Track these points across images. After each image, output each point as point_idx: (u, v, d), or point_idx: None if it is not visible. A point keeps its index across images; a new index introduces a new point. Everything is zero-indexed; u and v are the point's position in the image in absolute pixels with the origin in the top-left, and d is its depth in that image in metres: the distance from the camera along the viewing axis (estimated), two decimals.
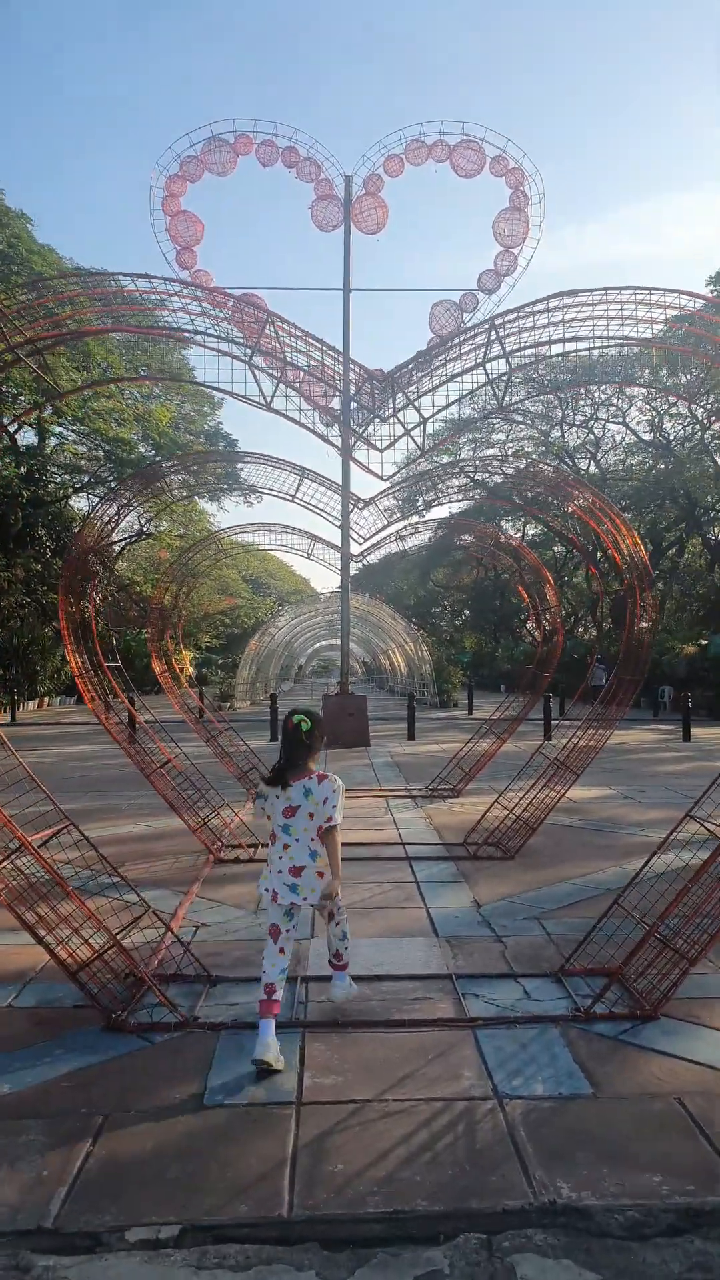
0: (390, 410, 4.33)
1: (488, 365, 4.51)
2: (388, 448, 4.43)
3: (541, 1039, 3.92)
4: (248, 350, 4.17)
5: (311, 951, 5.08)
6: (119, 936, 4.25)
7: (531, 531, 43.79)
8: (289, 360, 4.23)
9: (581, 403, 38.97)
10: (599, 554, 38.88)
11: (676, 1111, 3.29)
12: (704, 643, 29.89)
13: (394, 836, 8.31)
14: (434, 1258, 2.49)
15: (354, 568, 14.30)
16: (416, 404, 4.27)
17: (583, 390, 37.93)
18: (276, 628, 38.07)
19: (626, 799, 10.64)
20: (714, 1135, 3.10)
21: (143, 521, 41.24)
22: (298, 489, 8.08)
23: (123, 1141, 3.09)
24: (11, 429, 30.67)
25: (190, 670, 41.64)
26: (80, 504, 34.73)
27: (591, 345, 4.37)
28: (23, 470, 31.42)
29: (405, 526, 14.34)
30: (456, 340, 4.32)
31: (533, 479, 9.04)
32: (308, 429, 4.42)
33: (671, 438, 37.23)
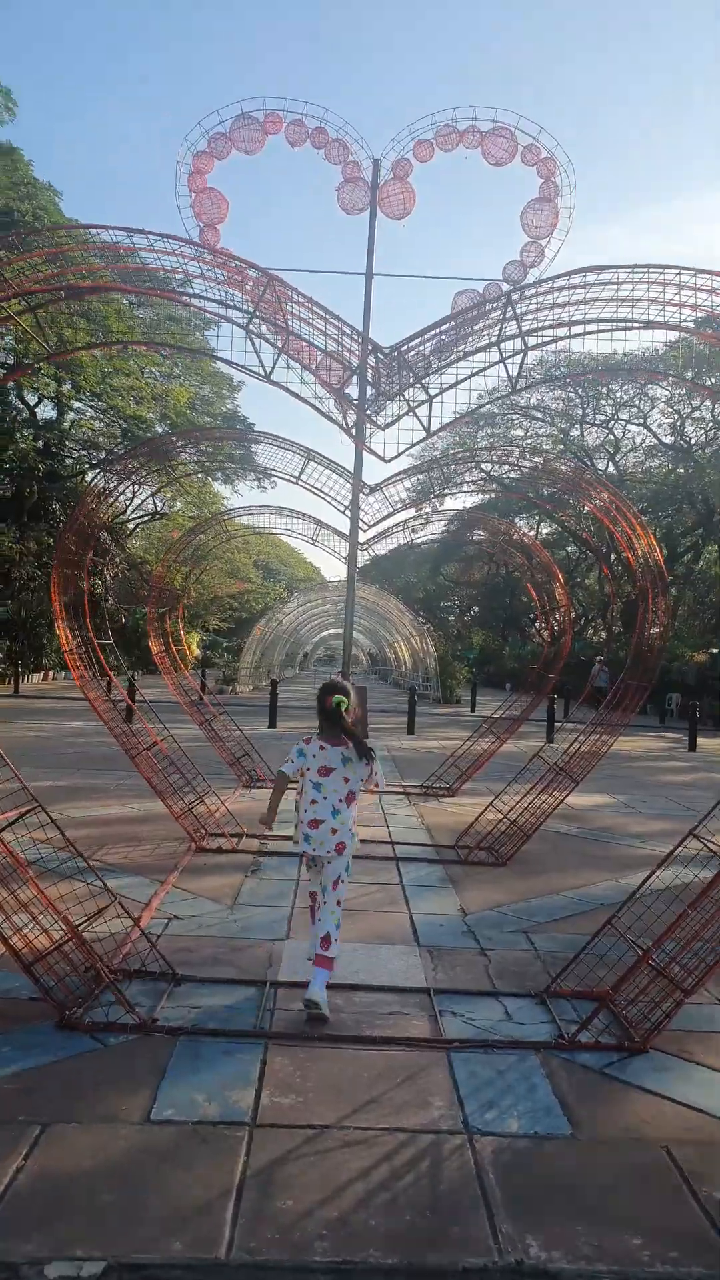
0: (394, 387, 4.05)
1: (502, 345, 4.23)
2: (389, 425, 4.15)
3: (520, 1067, 3.67)
4: (246, 315, 3.90)
5: (285, 954, 4.84)
6: (81, 928, 4.02)
7: (545, 530, 43.37)
8: (291, 329, 3.95)
9: (603, 402, 38.48)
10: (612, 556, 38.51)
11: (663, 1162, 3.03)
12: (715, 651, 29.51)
13: (383, 835, 8.07)
14: None
15: (362, 558, 14.01)
16: (423, 381, 3.99)
17: (604, 389, 37.47)
18: (284, 614, 37.80)
19: (627, 808, 10.36)
20: (703, 1194, 2.83)
21: (158, 502, 41.04)
22: (302, 471, 7.80)
23: (59, 1157, 2.85)
24: (31, 402, 30.51)
25: (196, 652, 41.61)
26: (110, 484, 34.48)
27: (615, 327, 4.08)
28: (40, 444, 31.23)
29: (416, 518, 14.05)
30: (469, 314, 4.03)
31: (549, 475, 8.73)
32: (308, 403, 4.15)
33: (693, 441, 36.73)
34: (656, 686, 9.20)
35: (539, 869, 7.11)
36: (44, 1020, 3.79)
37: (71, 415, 31.38)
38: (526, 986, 4.56)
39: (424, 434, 4.22)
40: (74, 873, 5.63)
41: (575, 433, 38.63)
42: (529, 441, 37.71)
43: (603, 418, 39.11)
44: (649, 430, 38.04)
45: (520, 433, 38.45)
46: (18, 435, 29.21)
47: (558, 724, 18.13)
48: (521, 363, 4.16)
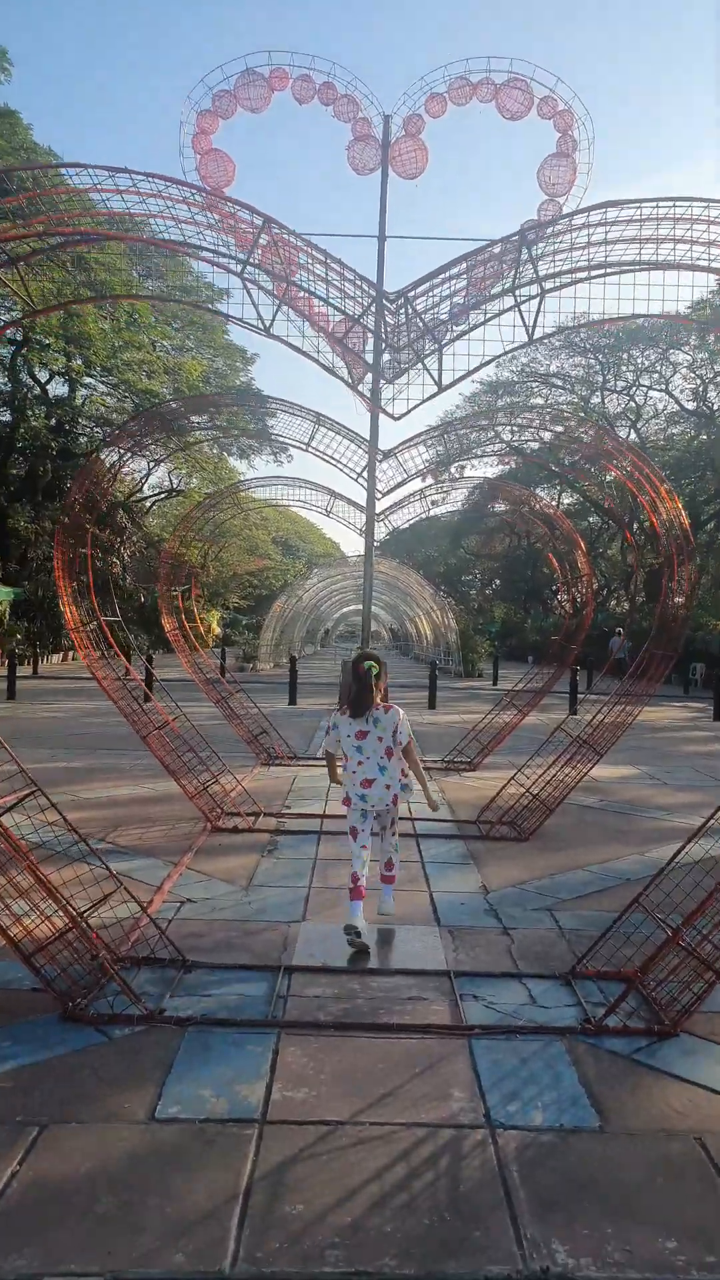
0: (403, 337, 3.78)
1: (517, 291, 3.95)
2: (397, 377, 3.89)
3: (545, 1054, 3.49)
4: (240, 263, 3.64)
5: (301, 936, 4.68)
6: (88, 914, 3.87)
7: (567, 500, 42.75)
8: (291, 277, 3.70)
9: (624, 368, 37.68)
10: (635, 525, 37.86)
11: (696, 1155, 2.84)
12: None
13: (404, 810, 7.87)
14: None
15: (380, 530, 13.73)
16: (434, 330, 3.71)
17: (624, 355, 36.66)
18: (304, 590, 37.58)
19: (653, 780, 10.12)
20: None
21: (174, 479, 40.83)
22: (312, 437, 7.54)
23: (57, 1160, 2.70)
24: (43, 379, 30.30)
25: (217, 630, 41.53)
26: (110, 457, 34.36)
27: (640, 268, 3.79)
28: (53, 422, 31.07)
29: (434, 488, 13.73)
30: (480, 255, 3.74)
31: (572, 441, 8.41)
32: (310, 358, 3.89)
33: (716, 407, 35.92)
34: (680, 656, 8.97)
35: (562, 844, 6.91)
36: (46, 1013, 3.65)
37: (83, 391, 31.13)
38: (551, 967, 4.38)
39: (435, 389, 3.96)
40: (83, 856, 5.51)
41: (596, 400, 37.88)
42: (549, 410, 37.05)
43: (624, 384, 38.34)
44: (671, 396, 37.26)
45: (540, 401, 37.76)
46: (30, 413, 29.04)
47: (580, 695, 17.85)
48: (539, 309, 3.88)
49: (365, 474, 8.08)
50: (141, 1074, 3.21)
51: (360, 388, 4.49)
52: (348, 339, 3.91)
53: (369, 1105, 3.06)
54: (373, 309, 3.94)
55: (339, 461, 7.92)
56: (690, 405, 36.58)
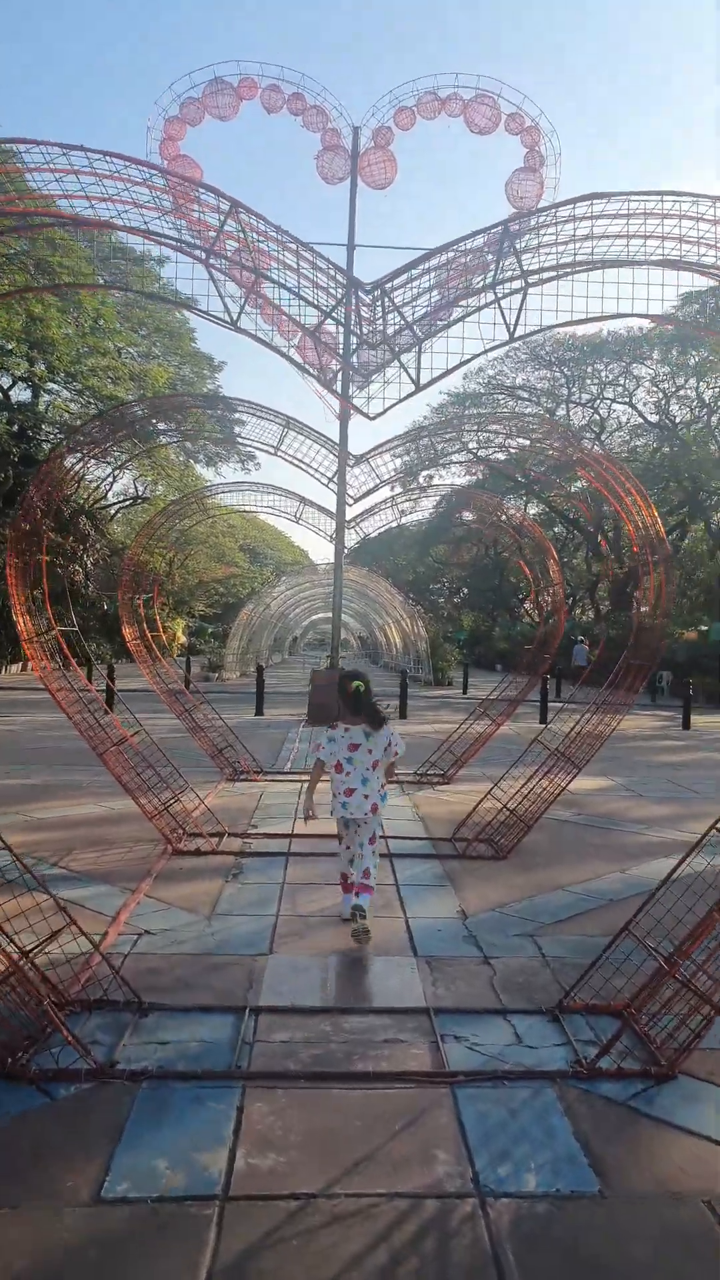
0: (379, 332, 3.50)
1: (497, 287, 3.69)
2: (373, 374, 3.60)
3: (535, 1104, 3.20)
4: (205, 251, 3.33)
5: (268, 972, 4.35)
6: (33, 953, 3.52)
7: (533, 511, 42.92)
8: (260, 270, 3.40)
9: (588, 381, 37.93)
10: (598, 535, 38.02)
11: (706, 1224, 2.57)
12: (704, 628, 29.20)
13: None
14: None
15: (351, 538, 13.49)
16: (412, 325, 3.43)
17: (589, 369, 36.92)
18: (271, 598, 37.17)
19: (628, 791, 9.93)
20: None
21: (139, 486, 40.19)
22: (281, 440, 7.23)
23: None
24: (5, 384, 29.63)
25: (182, 639, 40.90)
26: (70, 460, 33.66)
27: (628, 263, 3.55)
28: (14, 428, 30.38)
29: (404, 496, 13.50)
30: (460, 245, 3.48)
31: (545, 440, 8.21)
32: (279, 353, 3.59)
33: (678, 420, 36.27)
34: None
35: (541, 861, 6.66)
36: None
37: (46, 397, 30.50)
38: (536, 1001, 4.10)
39: (413, 388, 3.69)
40: (31, 888, 5.13)
41: (561, 412, 38.07)
42: (515, 422, 37.14)
43: (588, 396, 38.60)
44: (634, 409, 37.62)
45: (506, 413, 37.85)
46: None
47: (553, 704, 17.70)
48: (522, 305, 3.63)
49: (335, 479, 7.80)
50: (88, 1142, 2.86)
51: (334, 386, 4.21)
52: (320, 334, 3.62)
53: (344, 1173, 2.75)
54: (346, 301, 3.65)
55: (309, 465, 7.62)
56: (653, 418, 36.94)
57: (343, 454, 7.96)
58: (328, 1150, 2.87)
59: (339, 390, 4.20)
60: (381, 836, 7.20)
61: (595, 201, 3.77)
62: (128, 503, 40.38)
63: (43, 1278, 2.27)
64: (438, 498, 20.65)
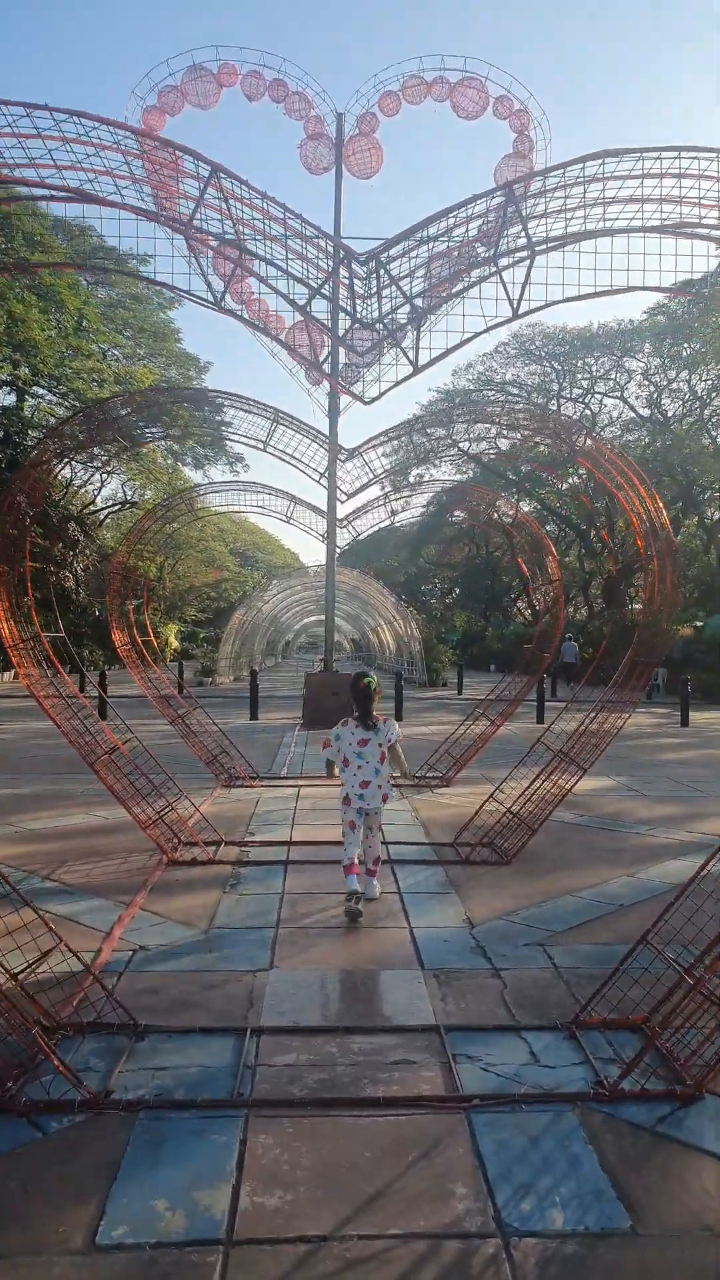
0: (373, 309, 3.31)
1: (499, 260, 3.50)
2: (367, 352, 3.41)
3: (556, 1130, 3.01)
4: (182, 224, 3.14)
5: (269, 988, 4.15)
6: (23, 976, 3.31)
7: (525, 508, 42.83)
8: (242, 238, 3.21)
9: (579, 376, 37.86)
10: (592, 532, 37.94)
11: None
12: (699, 624, 29.09)
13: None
14: None
15: (342, 537, 13.28)
16: (411, 299, 3.25)
17: (580, 363, 36.84)
18: (263, 601, 36.92)
19: (631, 791, 9.76)
20: None
21: (128, 490, 39.92)
22: (270, 435, 7.03)
23: None
24: None
25: (174, 644, 40.60)
26: (63, 470, 33.42)
27: (642, 230, 3.36)
28: (0, 433, 30.10)
29: (396, 495, 13.31)
30: (463, 212, 3.29)
31: (544, 426, 8.01)
32: (266, 334, 3.42)
33: (670, 414, 36.19)
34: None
35: (546, 866, 6.47)
36: None
37: (31, 401, 30.20)
38: (551, 1017, 3.91)
39: (410, 369, 3.50)
40: (19, 906, 4.92)
41: (552, 408, 37.97)
42: (506, 419, 37.01)
43: (579, 390, 38.51)
44: (626, 403, 37.55)
45: (496, 409, 37.76)
46: None
47: (551, 703, 17.53)
48: (527, 278, 3.44)
49: (326, 475, 7.60)
50: (81, 1181, 2.66)
51: (324, 368, 4.02)
52: (310, 311, 3.43)
53: (356, 1211, 2.56)
54: (338, 273, 3.45)
55: (299, 461, 7.42)
56: (645, 412, 36.86)
57: (333, 448, 7.76)
58: (337, 1185, 2.67)
59: (329, 372, 4.02)
60: (382, 842, 7.04)
61: (607, 160, 3.57)
62: (116, 507, 40.13)
63: None
64: (429, 495, 20.49)
